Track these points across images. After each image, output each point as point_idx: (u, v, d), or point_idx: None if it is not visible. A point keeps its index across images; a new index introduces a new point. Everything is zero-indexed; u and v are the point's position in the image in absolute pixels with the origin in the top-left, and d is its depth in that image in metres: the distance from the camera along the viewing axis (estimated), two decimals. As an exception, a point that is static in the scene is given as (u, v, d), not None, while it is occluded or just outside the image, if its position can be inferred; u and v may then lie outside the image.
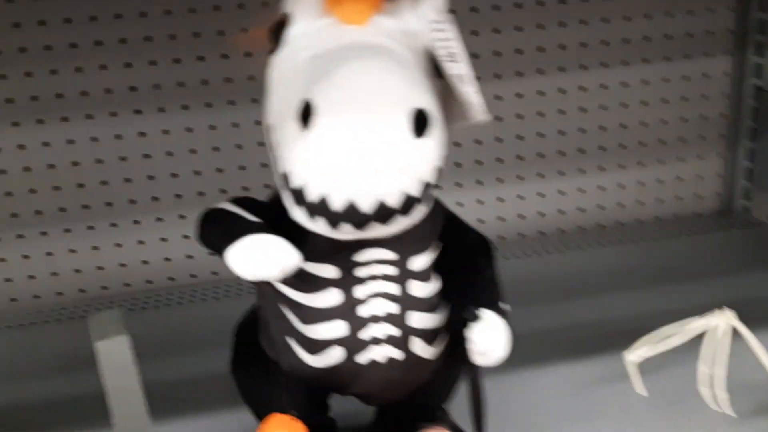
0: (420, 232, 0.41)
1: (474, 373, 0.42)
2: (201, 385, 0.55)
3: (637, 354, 0.52)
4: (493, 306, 0.41)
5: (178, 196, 0.69)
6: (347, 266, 0.40)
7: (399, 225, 0.37)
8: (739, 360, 0.50)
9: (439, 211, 0.43)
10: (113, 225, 0.69)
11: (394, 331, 0.41)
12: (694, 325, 0.50)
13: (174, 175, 0.69)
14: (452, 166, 0.74)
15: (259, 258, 0.37)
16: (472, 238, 0.45)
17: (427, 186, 0.37)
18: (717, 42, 0.76)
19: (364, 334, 0.41)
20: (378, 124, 0.35)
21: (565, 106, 0.75)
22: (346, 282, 0.40)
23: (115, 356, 0.35)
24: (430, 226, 0.42)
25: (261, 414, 0.45)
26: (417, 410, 0.46)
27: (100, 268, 0.70)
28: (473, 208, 0.76)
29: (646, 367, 0.52)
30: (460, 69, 0.38)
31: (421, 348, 0.42)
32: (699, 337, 0.50)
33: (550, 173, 0.76)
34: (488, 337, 0.40)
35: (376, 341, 0.41)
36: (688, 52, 0.75)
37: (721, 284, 0.66)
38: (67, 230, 0.68)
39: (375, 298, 0.41)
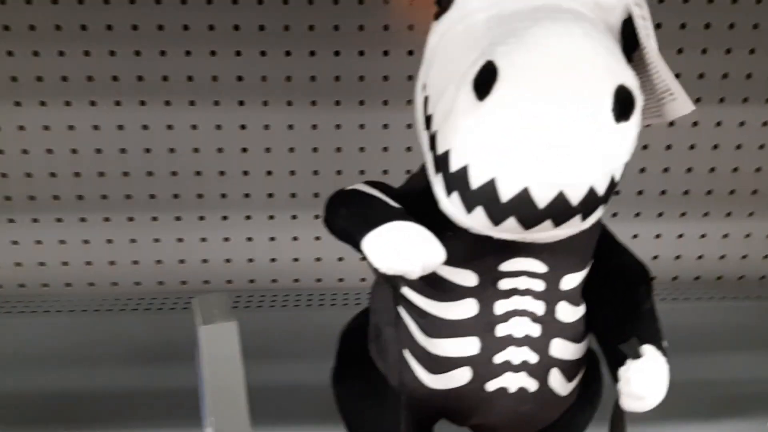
0: (577, 245, 0.35)
1: (619, 419, 0.35)
2: (293, 395, 0.50)
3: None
4: (656, 343, 0.34)
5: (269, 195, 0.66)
6: (490, 275, 0.34)
7: (572, 228, 0.31)
8: None
9: (594, 229, 0.37)
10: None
11: (533, 358, 0.35)
12: None
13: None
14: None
15: (400, 249, 0.31)
16: (630, 262, 0.38)
17: (613, 184, 0.30)
18: None
19: (499, 357, 0.35)
20: (576, 98, 0.28)
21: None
22: (486, 293, 0.35)
23: (221, 343, 0.31)
24: (587, 240, 0.36)
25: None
26: None
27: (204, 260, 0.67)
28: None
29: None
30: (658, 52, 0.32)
31: (558, 381, 0.36)
32: None
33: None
34: (648, 379, 0.33)
35: (510, 367, 0.35)
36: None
37: None
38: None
39: (516, 317, 0.35)
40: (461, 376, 0.35)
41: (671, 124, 0.66)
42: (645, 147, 0.66)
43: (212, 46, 0.61)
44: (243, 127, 0.63)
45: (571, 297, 0.36)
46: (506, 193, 0.29)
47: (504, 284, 0.34)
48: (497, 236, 0.31)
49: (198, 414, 0.37)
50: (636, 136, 0.30)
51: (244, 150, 0.64)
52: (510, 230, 0.30)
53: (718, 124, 0.66)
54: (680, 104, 0.32)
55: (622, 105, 0.28)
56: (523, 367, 0.35)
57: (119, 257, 0.67)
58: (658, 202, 0.68)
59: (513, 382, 0.35)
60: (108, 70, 0.61)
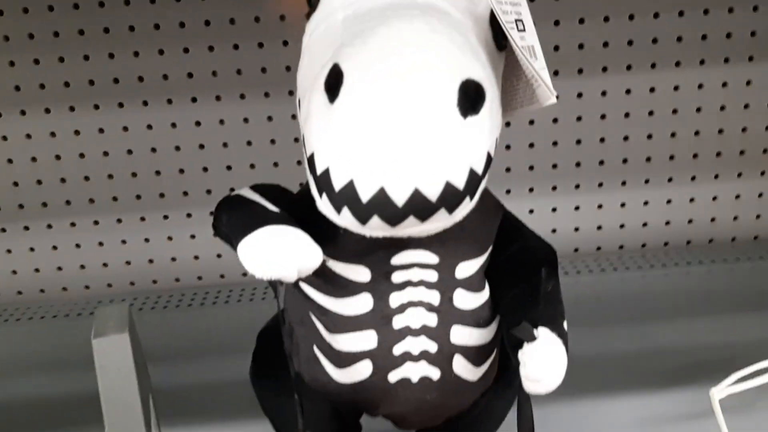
0: (469, 234, 0.35)
1: (524, 401, 0.35)
2: (221, 392, 0.51)
3: (725, 390, 0.45)
4: (553, 325, 0.34)
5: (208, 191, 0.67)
6: (382, 269, 0.34)
7: (440, 222, 0.31)
8: None
9: (494, 210, 0.37)
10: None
11: (432, 347, 0.36)
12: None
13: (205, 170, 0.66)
14: (526, 170, 0.68)
15: (274, 254, 0.31)
16: (533, 245, 0.38)
17: (475, 176, 0.30)
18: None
19: (397, 348, 0.35)
20: (419, 96, 0.28)
21: (655, 107, 0.67)
22: (380, 287, 0.35)
23: (114, 355, 0.31)
24: (482, 228, 0.36)
25: (280, 428, 0.40)
26: None
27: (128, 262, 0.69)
28: (548, 216, 0.69)
29: (733, 405, 0.45)
30: (527, 39, 0.32)
31: (463, 368, 0.36)
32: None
33: (633, 181, 0.69)
34: (544, 362, 0.33)
35: (409, 357, 0.36)
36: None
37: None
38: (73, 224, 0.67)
39: (411, 308, 0.35)
40: (363, 369, 0.36)
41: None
42: (627, 115, 0.67)
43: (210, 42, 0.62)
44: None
45: (468, 284, 0.36)
46: (364, 193, 0.29)
47: (397, 277, 0.35)
48: (368, 234, 0.31)
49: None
50: (492, 128, 0.30)
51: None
52: (377, 228, 0.30)
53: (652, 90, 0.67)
54: (544, 92, 0.32)
55: (470, 98, 0.28)
56: (423, 356, 0.36)
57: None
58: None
59: (414, 371, 0.36)
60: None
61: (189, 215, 0.68)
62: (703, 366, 0.52)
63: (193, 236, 0.68)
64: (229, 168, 0.66)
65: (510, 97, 0.34)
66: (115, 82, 0.63)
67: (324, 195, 0.30)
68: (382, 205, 0.29)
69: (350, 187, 0.29)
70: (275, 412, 0.41)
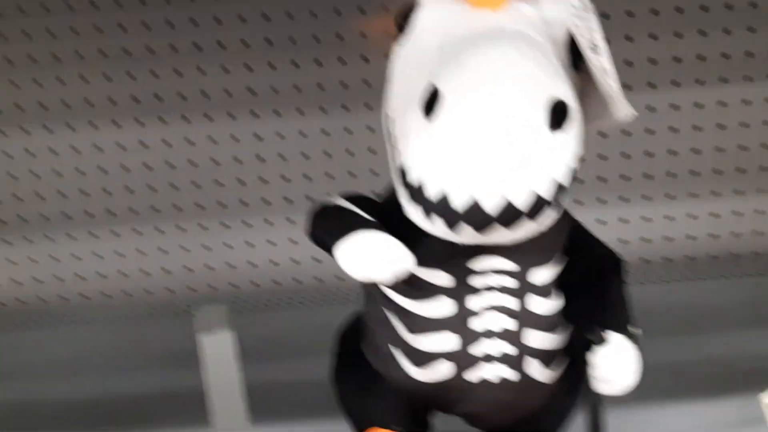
0: (545, 242, 0.37)
1: (595, 403, 0.37)
2: (301, 391, 0.52)
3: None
4: (622, 328, 0.37)
5: (288, 200, 0.69)
6: (462, 274, 0.37)
7: (525, 231, 0.34)
8: None
9: (565, 220, 0.39)
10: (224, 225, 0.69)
11: (509, 350, 0.38)
12: None
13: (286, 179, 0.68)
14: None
15: (371, 257, 0.34)
16: (600, 253, 0.40)
17: (560, 188, 0.33)
18: None
19: (476, 349, 0.37)
20: (511, 114, 0.31)
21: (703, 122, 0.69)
22: (460, 291, 0.37)
23: (219, 351, 0.34)
24: (556, 237, 0.38)
25: (360, 426, 0.42)
26: None
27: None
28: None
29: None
30: (602, 61, 0.34)
31: (537, 370, 0.39)
32: None
33: (680, 194, 0.71)
34: (615, 363, 0.36)
35: (488, 358, 0.38)
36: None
37: None
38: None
39: (490, 312, 0.37)
40: (443, 369, 0.38)
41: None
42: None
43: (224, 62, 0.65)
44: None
45: (542, 290, 0.38)
46: (457, 203, 0.32)
47: (476, 282, 0.37)
48: (456, 240, 0.34)
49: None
50: (576, 143, 0.33)
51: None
52: (467, 235, 0.33)
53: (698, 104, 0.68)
54: (621, 110, 0.35)
55: (557, 115, 0.31)
56: (502, 359, 0.38)
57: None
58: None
59: (493, 372, 0.38)
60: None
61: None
62: (752, 374, 0.52)
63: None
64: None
65: (589, 111, 0.36)
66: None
67: (416, 204, 0.33)
68: (473, 215, 0.32)
69: (443, 198, 0.32)
70: (354, 411, 0.42)
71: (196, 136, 0.67)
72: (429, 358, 0.38)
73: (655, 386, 0.49)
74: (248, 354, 0.39)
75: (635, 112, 0.35)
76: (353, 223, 0.36)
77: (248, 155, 0.67)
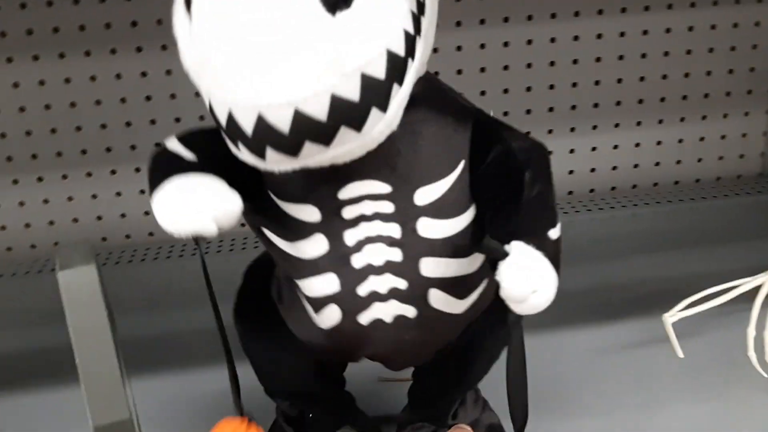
0: (426, 154, 0.31)
1: (511, 325, 0.30)
2: (175, 342, 0.52)
3: (676, 314, 0.47)
4: (532, 236, 0.29)
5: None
6: (331, 205, 0.32)
7: (353, 143, 0.28)
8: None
9: (461, 120, 0.32)
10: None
11: (400, 284, 0.33)
12: (742, 287, 0.48)
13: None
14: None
15: (185, 208, 0.29)
16: (516, 147, 0.32)
17: (373, 82, 0.26)
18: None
19: (362, 288, 0.33)
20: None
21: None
22: (332, 225, 0.32)
23: (80, 288, 0.30)
24: (444, 144, 0.32)
25: (260, 369, 0.39)
26: (451, 388, 0.39)
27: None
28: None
29: (686, 330, 0.48)
30: None
31: (442, 301, 0.33)
32: (741, 301, 0.47)
33: (581, 127, 0.71)
34: (519, 278, 0.28)
35: (377, 297, 0.33)
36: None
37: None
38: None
39: (370, 244, 0.32)
40: (333, 314, 0.33)
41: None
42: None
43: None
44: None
45: (435, 211, 0.32)
46: (247, 125, 0.26)
47: (347, 212, 0.32)
48: (275, 170, 0.28)
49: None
50: (381, 18, 0.26)
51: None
52: (279, 161, 0.27)
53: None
54: None
55: None
56: (393, 294, 0.33)
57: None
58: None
59: (386, 311, 0.33)
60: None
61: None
62: (656, 297, 0.53)
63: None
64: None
65: None
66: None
67: (222, 132, 0.28)
68: (269, 135, 0.26)
69: (232, 119, 0.27)
70: (257, 352, 0.38)
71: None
72: (318, 304, 0.33)
73: (563, 311, 0.49)
74: (120, 308, 0.36)
75: None
76: (168, 171, 0.30)
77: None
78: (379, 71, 0.27)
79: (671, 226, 0.66)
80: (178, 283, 0.60)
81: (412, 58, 0.28)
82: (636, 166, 0.73)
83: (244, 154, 0.28)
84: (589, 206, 0.70)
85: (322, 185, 0.31)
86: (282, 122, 0.26)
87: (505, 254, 0.29)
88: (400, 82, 0.28)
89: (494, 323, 0.35)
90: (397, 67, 0.27)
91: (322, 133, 0.27)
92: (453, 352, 0.37)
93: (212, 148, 0.31)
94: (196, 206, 0.29)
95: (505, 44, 0.67)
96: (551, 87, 0.69)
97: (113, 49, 0.62)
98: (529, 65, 0.68)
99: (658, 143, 0.72)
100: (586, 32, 0.67)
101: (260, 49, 0.25)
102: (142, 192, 0.66)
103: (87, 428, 0.31)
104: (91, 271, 0.31)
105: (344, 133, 0.27)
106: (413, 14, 0.28)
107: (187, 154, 0.31)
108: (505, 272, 0.28)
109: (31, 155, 0.65)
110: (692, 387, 0.45)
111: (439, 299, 0.33)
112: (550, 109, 0.69)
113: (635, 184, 0.73)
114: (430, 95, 0.31)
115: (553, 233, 0.30)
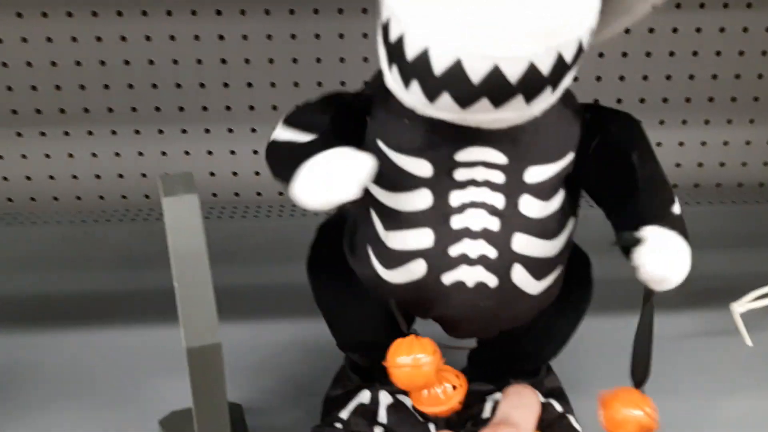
0: (545, 136, 0.33)
1: (646, 302, 0.33)
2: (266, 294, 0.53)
3: (745, 304, 0.47)
4: (661, 216, 0.32)
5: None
6: (445, 164, 0.32)
7: (515, 112, 0.29)
8: None
9: (577, 113, 0.34)
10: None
11: (490, 252, 0.34)
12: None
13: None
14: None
15: (329, 185, 0.30)
16: (616, 129, 0.34)
17: (562, 63, 0.28)
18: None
19: (454, 249, 0.34)
20: None
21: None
22: (441, 183, 0.33)
23: (183, 214, 0.31)
24: (561, 131, 0.33)
25: (333, 322, 0.40)
26: (516, 360, 0.40)
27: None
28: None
29: (753, 322, 0.48)
30: None
31: (523, 279, 0.34)
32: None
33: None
34: (662, 261, 0.30)
35: (466, 260, 0.34)
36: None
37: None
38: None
39: (472, 209, 0.33)
40: (416, 269, 0.34)
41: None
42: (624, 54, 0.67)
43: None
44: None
45: (538, 191, 0.33)
46: (438, 65, 0.27)
47: (459, 174, 0.33)
48: (436, 115, 0.30)
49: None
50: (588, 10, 0.28)
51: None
52: (446, 108, 0.29)
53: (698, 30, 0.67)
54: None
55: None
56: (481, 261, 0.34)
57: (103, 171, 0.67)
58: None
59: (470, 275, 0.34)
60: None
61: (184, 131, 0.67)
62: (723, 291, 0.53)
63: (187, 153, 0.68)
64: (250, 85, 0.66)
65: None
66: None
67: (394, 66, 0.29)
68: (454, 81, 0.27)
69: (424, 56, 0.28)
70: (329, 308, 0.40)
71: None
72: (402, 258, 0.34)
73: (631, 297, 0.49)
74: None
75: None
76: (293, 159, 0.31)
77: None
78: (569, 55, 0.29)
79: (732, 226, 0.66)
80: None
81: (583, 53, 0.30)
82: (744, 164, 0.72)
83: (411, 94, 0.29)
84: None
85: (443, 143, 0.32)
86: (475, 73, 0.27)
87: (640, 241, 0.30)
88: (571, 70, 0.30)
89: (565, 308, 0.38)
90: (577, 56, 0.29)
91: (503, 94, 0.28)
92: (518, 336, 0.38)
93: (319, 120, 0.33)
94: (340, 179, 0.30)
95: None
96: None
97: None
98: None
99: (725, 143, 0.72)
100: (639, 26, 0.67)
101: (488, 7, 0.26)
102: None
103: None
104: (194, 199, 0.32)
105: (517, 101, 0.28)
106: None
107: (302, 137, 0.33)
108: (647, 258, 0.30)
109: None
110: (762, 376, 0.45)
111: (520, 275, 0.34)
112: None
113: (719, 181, 0.72)
114: None
115: (676, 208, 0.33)
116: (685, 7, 0.66)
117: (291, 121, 0.34)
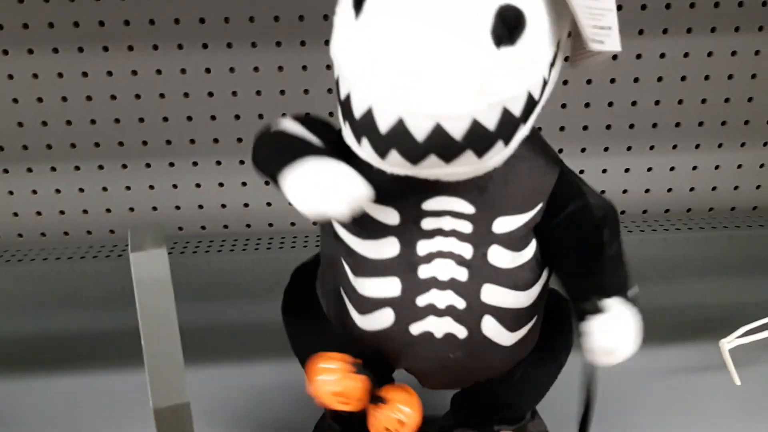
0: (515, 187, 0.32)
1: (590, 373, 0.34)
2: (247, 333, 0.52)
3: (734, 340, 0.46)
4: (620, 292, 0.32)
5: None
6: (412, 213, 0.32)
7: (468, 167, 0.29)
8: None
9: (550, 166, 0.33)
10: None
11: (458, 302, 0.33)
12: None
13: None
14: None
15: (321, 188, 0.29)
16: (593, 204, 0.34)
17: (510, 117, 0.28)
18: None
19: (421, 299, 0.33)
20: (449, 16, 0.26)
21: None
22: (408, 232, 0.32)
23: (151, 270, 0.31)
24: (532, 182, 0.33)
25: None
26: (497, 409, 0.39)
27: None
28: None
29: (741, 358, 0.47)
30: None
31: (494, 330, 0.34)
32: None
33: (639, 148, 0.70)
34: (614, 333, 0.31)
35: (434, 310, 0.33)
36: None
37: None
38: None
39: (440, 258, 0.33)
40: (385, 318, 0.34)
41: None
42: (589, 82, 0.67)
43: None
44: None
45: (507, 241, 0.33)
46: (383, 124, 0.27)
47: (427, 224, 0.32)
48: (389, 170, 0.29)
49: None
50: (533, 63, 0.28)
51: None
52: (397, 164, 0.28)
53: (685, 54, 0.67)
54: (588, 37, 0.29)
55: (507, 26, 0.27)
56: (449, 311, 0.33)
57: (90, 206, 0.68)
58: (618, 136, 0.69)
59: (439, 326, 0.33)
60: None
61: (195, 164, 0.67)
62: (711, 323, 0.52)
63: (198, 185, 0.68)
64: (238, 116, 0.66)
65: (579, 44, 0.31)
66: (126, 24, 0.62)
67: (346, 122, 0.29)
68: (401, 139, 0.27)
69: (369, 115, 0.27)
70: (302, 349, 0.38)
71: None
72: (371, 305, 0.34)
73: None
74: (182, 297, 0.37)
75: (614, 47, 0.30)
76: (301, 150, 0.31)
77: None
78: (517, 109, 0.28)
79: (723, 252, 0.65)
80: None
81: (540, 103, 0.30)
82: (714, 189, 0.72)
83: (363, 150, 0.28)
84: (658, 227, 0.70)
85: (410, 193, 0.32)
86: (419, 131, 0.27)
87: (601, 310, 0.31)
88: (526, 122, 0.29)
89: (543, 358, 0.37)
90: (529, 108, 0.29)
91: (450, 151, 0.28)
92: (494, 388, 0.37)
93: (328, 137, 0.33)
94: (336, 189, 0.29)
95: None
96: (586, 105, 0.68)
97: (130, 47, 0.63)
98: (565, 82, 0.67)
99: (716, 167, 0.71)
100: (626, 52, 0.66)
101: (424, 60, 0.26)
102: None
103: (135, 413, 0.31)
104: (162, 254, 0.31)
105: (467, 156, 0.28)
106: (550, 64, 0.29)
107: (314, 138, 0.32)
108: (603, 327, 0.31)
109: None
110: (747, 413, 0.44)
111: (491, 327, 0.34)
112: (585, 128, 0.69)
113: (712, 206, 0.72)
114: (531, 138, 0.32)
115: (632, 292, 0.33)
116: (672, 32, 0.66)
117: (302, 120, 0.34)
